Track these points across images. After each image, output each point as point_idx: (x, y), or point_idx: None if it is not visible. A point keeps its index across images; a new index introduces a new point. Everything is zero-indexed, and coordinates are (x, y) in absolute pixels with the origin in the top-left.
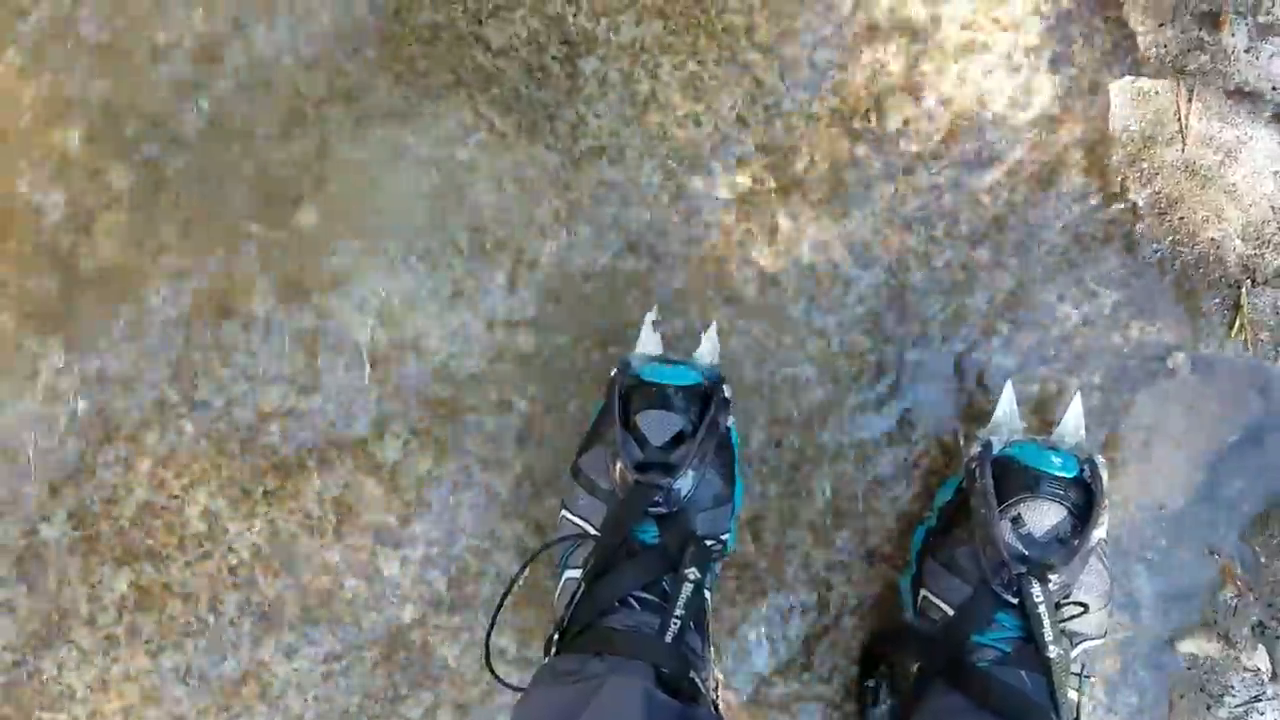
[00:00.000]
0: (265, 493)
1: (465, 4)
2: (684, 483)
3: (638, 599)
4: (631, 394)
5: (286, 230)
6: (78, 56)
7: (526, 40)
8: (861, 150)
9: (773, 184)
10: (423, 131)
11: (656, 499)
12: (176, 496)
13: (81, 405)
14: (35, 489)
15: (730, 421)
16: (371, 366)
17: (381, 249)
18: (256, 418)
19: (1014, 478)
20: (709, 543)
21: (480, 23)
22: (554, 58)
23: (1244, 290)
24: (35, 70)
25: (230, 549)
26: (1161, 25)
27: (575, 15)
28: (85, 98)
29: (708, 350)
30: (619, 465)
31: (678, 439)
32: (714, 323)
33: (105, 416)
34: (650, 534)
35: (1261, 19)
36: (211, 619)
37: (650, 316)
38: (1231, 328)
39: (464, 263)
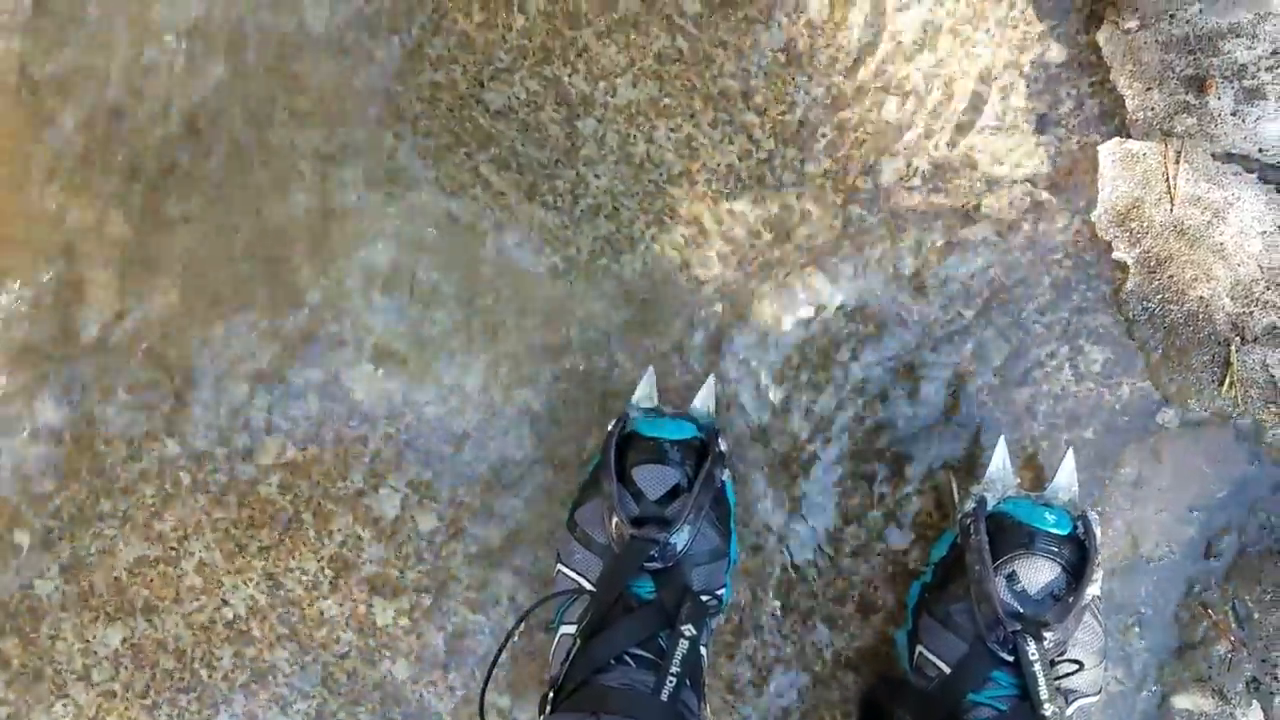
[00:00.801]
0: (261, 547)
1: (465, 66)
2: (680, 537)
3: (633, 656)
4: (628, 447)
5: (285, 286)
6: (76, 106)
7: (525, 102)
8: (854, 209)
9: (768, 239)
10: (423, 188)
11: (652, 554)
12: (173, 549)
13: (76, 456)
14: (29, 541)
15: (726, 475)
16: (369, 420)
17: (380, 304)
18: (255, 470)
19: (1008, 534)
20: (705, 598)
21: (481, 85)
22: (552, 119)
23: (1233, 347)
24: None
25: (225, 602)
26: (1148, 89)
27: (572, 77)
28: (80, 150)
29: (704, 402)
30: (615, 519)
31: (674, 493)
32: (711, 375)
33: (101, 467)
34: (646, 589)
35: (1247, 83)
36: (205, 673)
37: (648, 369)
38: (1221, 384)
39: (463, 317)
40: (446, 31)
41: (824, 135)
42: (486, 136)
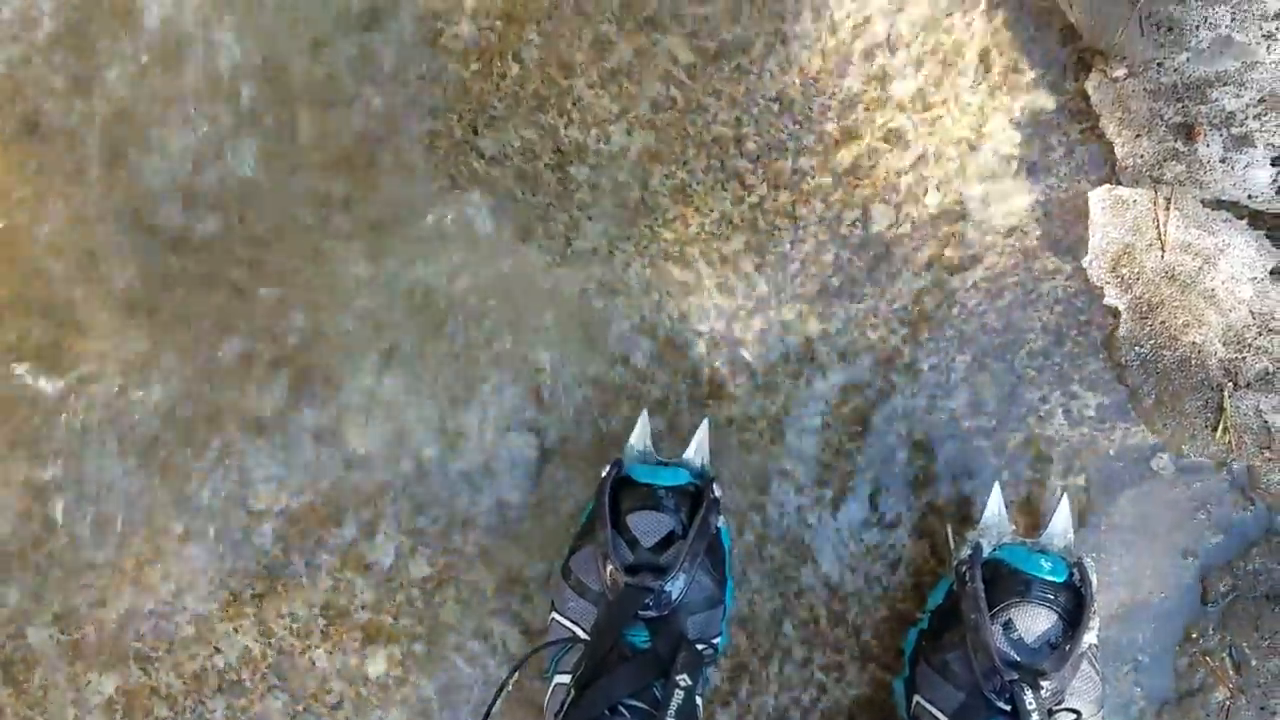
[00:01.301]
0: (254, 595)
1: (461, 114)
2: (675, 585)
3: (628, 706)
4: (622, 495)
5: (280, 332)
6: (82, 167)
7: (520, 149)
8: (846, 253)
9: (760, 283)
10: (417, 236)
11: (647, 602)
12: (167, 602)
13: (69, 505)
14: (21, 591)
15: (721, 522)
16: (363, 467)
17: (375, 351)
18: (248, 518)
19: (1004, 582)
20: (700, 647)
21: (476, 132)
22: (547, 165)
23: (1226, 393)
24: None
25: (218, 650)
26: (1137, 136)
27: (567, 127)
28: (81, 202)
29: (698, 449)
30: (609, 567)
31: (668, 540)
32: (705, 421)
33: (94, 516)
34: (641, 638)
35: (1235, 130)
36: None
37: (643, 415)
38: (1215, 430)
39: (457, 364)
40: (445, 81)
41: (815, 182)
42: (481, 181)
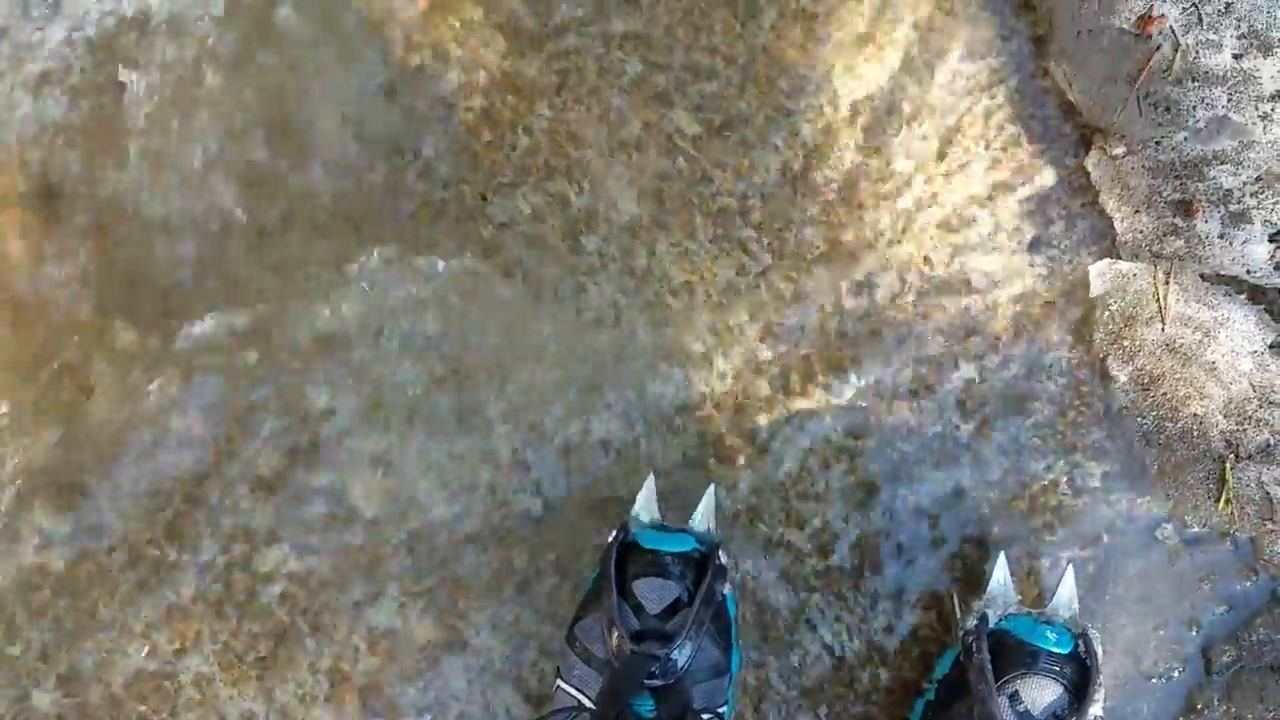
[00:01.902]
0: (259, 658)
1: (471, 181)
2: (681, 653)
3: None
4: (628, 561)
5: (289, 392)
6: (82, 239)
7: (530, 216)
8: (850, 323)
9: (766, 351)
10: (426, 300)
11: (653, 670)
12: (170, 662)
13: (74, 563)
14: (26, 653)
15: (727, 589)
16: (369, 529)
17: (383, 413)
18: (254, 580)
19: (1010, 653)
20: (706, 716)
21: (485, 199)
22: (556, 232)
23: (1228, 465)
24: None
25: (223, 717)
26: (1136, 211)
27: (579, 195)
28: (85, 270)
29: (704, 515)
30: (615, 634)
31: (674, 607)
32: (710, 487)
33: (99, 575)
34: (647, 707)
35: (1233, 208)
36: None
37: (649, 480)
38: (1218, 502)
39: (464, 426)
40: (456, 151)
41: (820, 251)
42: (491, 247)
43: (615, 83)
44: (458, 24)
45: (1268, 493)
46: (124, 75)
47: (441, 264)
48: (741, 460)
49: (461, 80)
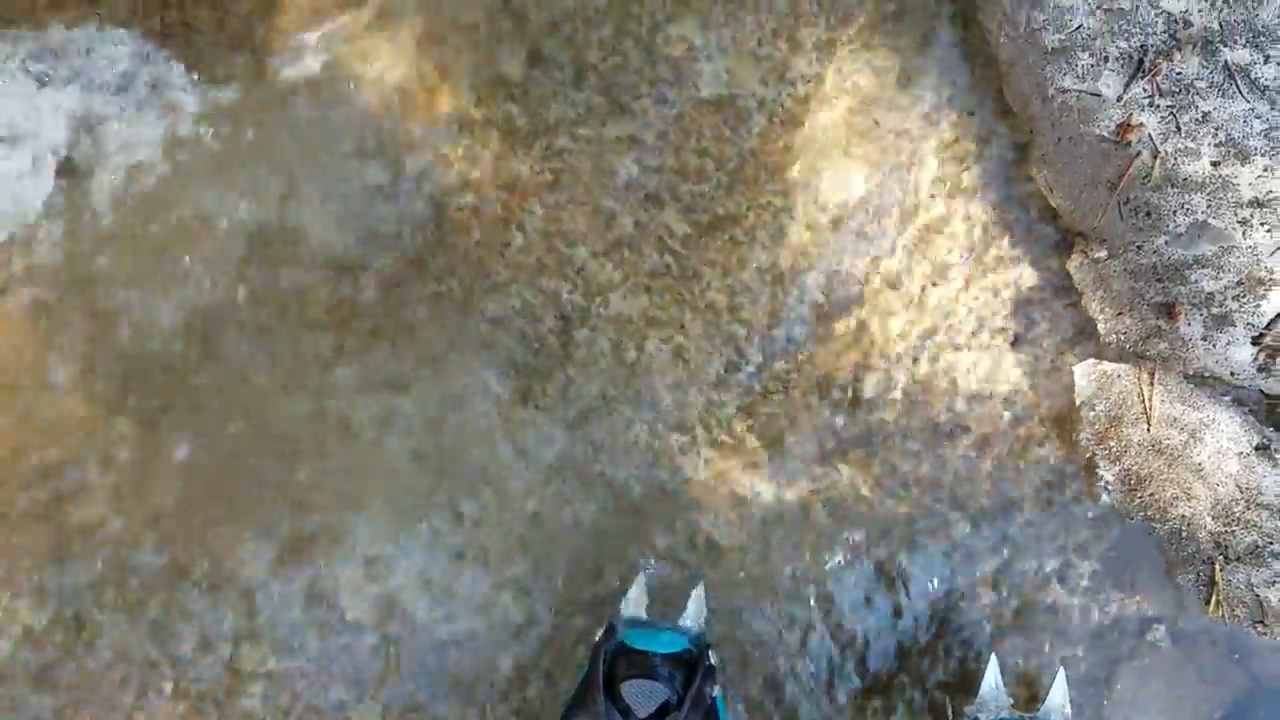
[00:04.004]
0: None
1: (463, 278)
2: None
3: None
4: (616, 661)
5: (274, 491)
6: (84, 322)
7: (521, 312)
8: (839, 419)
9: (754, 444)
10: (419, 396)
11: None
12: None
13: (57, 661)
14: None
15: (717, 690)
16: (354, 628)
17: (372, 513)
18: (236, 679)
19: None
20: None
21: (477, 296)
22: (548, 329)
23: (1217, 567)
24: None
25: None
26: (1120, 314)
27: (571, 292)
28: (85, 353)
29: (694, 612)
30: None
31: (663, 710)
32: (700, 583)
33: (83, 674)
34: None
35: (1215, 311)
36: None
37: (639, 577)
38: (1208, 604)
39: (452, 525)
40: (449, 248)
41: (808, 348)
42: (483, 343)
43: (609, 183)
44: (456, 127)
45: (1257, 595)
46: None
47: (432, 360)
48: (729, 558)
49: (456, 178)
